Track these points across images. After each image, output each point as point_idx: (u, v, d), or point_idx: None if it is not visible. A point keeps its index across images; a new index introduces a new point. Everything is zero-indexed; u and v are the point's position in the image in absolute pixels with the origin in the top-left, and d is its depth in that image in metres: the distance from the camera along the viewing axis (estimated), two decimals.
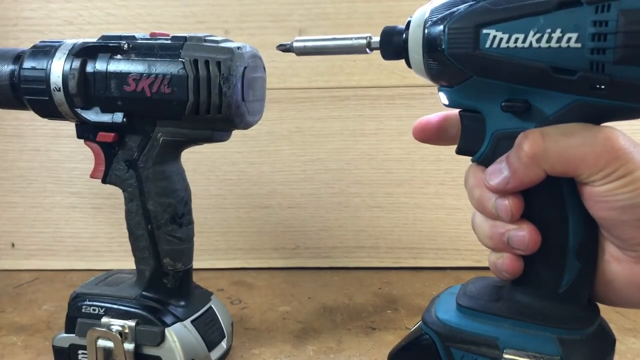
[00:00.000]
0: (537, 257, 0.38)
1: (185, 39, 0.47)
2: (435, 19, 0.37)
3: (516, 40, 0.35)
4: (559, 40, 0.33)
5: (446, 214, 0.79)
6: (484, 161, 0.39)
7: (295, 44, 0.43)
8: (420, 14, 0.38)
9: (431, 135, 0.44)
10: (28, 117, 0.78)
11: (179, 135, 0.49)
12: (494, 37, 0.35)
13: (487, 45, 0.35)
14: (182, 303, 0.52)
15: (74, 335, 0.52)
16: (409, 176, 0.79)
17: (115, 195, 0.80)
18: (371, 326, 0.64)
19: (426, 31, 0.37)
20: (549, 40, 0.34)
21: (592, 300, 0.40)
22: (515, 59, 0.35)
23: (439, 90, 0.40)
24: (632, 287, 0.37)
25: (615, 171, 0.33)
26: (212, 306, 0.55)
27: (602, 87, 0.33)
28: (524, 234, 0.37)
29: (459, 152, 0.40)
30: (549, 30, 0.34)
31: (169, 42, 0.48)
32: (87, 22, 0.77)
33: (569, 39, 0.33)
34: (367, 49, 0.41)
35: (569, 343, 0.37)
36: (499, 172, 0.37)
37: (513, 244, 0.38)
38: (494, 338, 0.38)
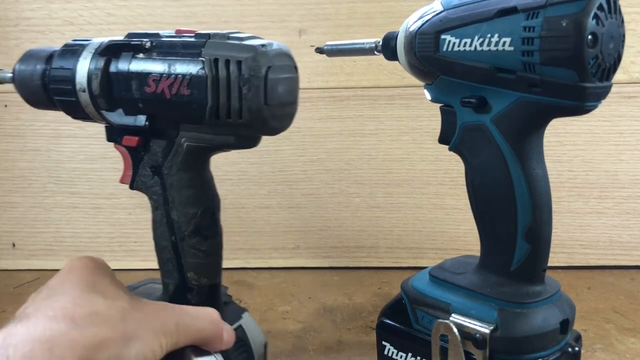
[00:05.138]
0: (491, 238, 0.44)
1: (209, 36, 0.43)
2: (412, 26, 0.43)
3: (465, 44, 0.40)
4: (497, 44, 0.38)
5: (446, 214, 0.79)
6: (456, 149, 0.44)
7: (326, 47, 0.52)
8: (406, 22, 0.44)
9: None
10: (29, 117, 0.79)
11: (202, 141, 0.45)
12: (449, 41, 0.41)
13: (444, 49, 0.41)
14: None
15: None
16: (408, 176, 0.79)
17: (115, 195, 0.81)
18: (371, 326, 0.64)
19: (406, 37, 0.44)
20: (489, 44, 0.39)
21: (553, 284, 0.44)
22: (465, 60, 0.41)
23: (424, 87, 0.46)
24: None
25: None
26: (242, 325, 0.49)
27: (537, 85, 0.37)
28: None
29: (440, 141, 0.46)
30: (489, 35, 0.39)
31: (192, 39, 0.44)
32: (88, 22, 0.77)
33: (504, 43, 0.38)
34: (375, 52, 0.48)
35: (508, 314, 0.41)
36: None
37: None
38: (447, 303, 0.44)
